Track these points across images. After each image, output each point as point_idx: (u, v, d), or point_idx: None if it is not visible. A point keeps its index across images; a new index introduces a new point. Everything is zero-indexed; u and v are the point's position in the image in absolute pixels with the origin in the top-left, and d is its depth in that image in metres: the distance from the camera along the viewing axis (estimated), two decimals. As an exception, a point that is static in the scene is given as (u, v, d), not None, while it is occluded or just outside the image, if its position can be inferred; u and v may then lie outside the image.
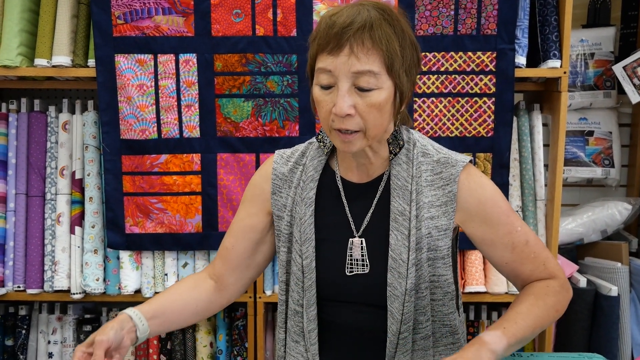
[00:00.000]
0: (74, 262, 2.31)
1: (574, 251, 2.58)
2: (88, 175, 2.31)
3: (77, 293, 2.31)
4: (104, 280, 2.33)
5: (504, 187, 2.27)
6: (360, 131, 1.21)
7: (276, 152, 1.45)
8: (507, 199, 2.28)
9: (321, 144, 1.38)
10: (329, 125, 1.23)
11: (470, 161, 1.35)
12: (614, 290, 2.32)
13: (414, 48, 1.25)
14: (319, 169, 1.37)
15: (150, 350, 2.44)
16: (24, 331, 2.45)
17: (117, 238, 2.29)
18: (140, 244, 2.30)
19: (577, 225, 2.49)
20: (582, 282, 2.37)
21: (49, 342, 2.46)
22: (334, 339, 1.38)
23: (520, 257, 1.32)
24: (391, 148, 1.31)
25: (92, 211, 2.31)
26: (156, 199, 2.28)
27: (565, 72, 2.23)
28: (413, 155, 1.33)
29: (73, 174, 2.33)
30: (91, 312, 2.54)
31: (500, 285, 2.31)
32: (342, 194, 1.35)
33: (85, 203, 2.32)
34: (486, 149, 2.26)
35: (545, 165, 2.39)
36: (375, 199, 1.33)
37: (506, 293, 2.32)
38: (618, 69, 2.43)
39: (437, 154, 1.34)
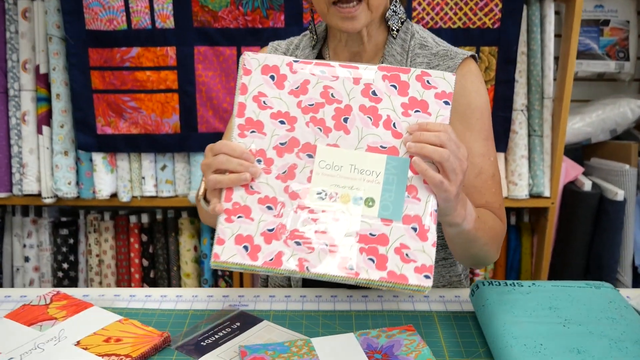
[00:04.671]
0: (43, 164, 2.15)
1: (580, 151, 2.43)
2: (54, 69, 2.10)
3: (48, 197, 2.17)
4: (77, 183, 2.18)
5: (509, 84, 2.07)
6: (363, 1, 1.12)
7: (270, 43, 1.34)
8: (512, 97, 2.10)
9: (312, 34, 1.28)
10: (327, 1, 1.12)
11: (474, 57, 1.23)
12: (620, 195, 2.18)
13: None
14: None
15: (132, 254, 2.34)
16: (-3, 234, 2.34)
17: (88, 139, 2.12)
18: (114, 145, 2.13)
19: (585, 124, 2.32)
20: (587, 185, 2.23)
21: (24, 245, 2.35)
22: None
23: (482, 186, 1.19)
24: (390, 24, 1.21)
25: (60, 109, 2.12)
26: (129, 97, 2.08)
27: (583, -47, 1.98)
28: (409, 47, 1.23)
29: (37, 68, 2.12)
30: (68, 215, 2.40)
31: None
32: None
33: (52, 100, 2.13)
34: (492, 42, 2.04)
35: (555, 58, 2.18)
36: None
37: (506, 198, 2.19)
38: (643, -51, 2.17)
39: (437, 47, 1.23)
